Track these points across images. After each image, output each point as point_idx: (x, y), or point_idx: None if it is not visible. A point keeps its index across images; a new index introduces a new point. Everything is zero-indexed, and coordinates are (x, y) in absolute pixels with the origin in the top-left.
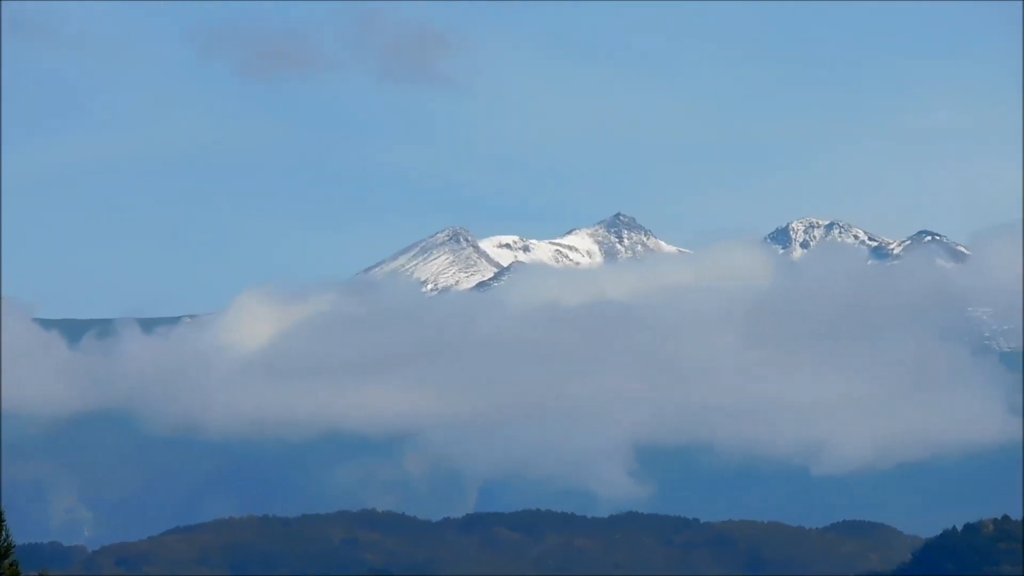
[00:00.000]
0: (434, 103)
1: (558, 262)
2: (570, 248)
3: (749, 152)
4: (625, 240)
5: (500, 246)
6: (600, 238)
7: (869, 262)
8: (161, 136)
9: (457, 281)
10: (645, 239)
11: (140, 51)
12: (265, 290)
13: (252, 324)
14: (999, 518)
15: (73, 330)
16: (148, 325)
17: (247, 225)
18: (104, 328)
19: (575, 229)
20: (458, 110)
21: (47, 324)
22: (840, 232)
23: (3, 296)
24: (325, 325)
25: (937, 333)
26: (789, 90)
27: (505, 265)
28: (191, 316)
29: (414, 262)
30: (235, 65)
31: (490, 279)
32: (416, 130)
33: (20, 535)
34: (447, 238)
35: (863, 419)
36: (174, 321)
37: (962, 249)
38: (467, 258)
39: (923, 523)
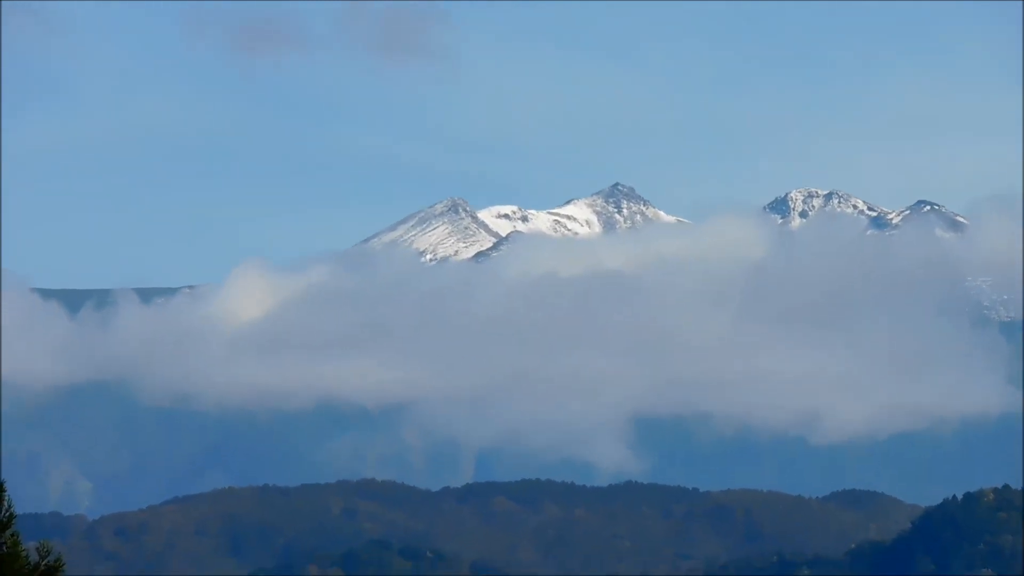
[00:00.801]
0: (432, 77)
1: (556, 232)
2: (568, 218)
3: (749, 122)
4: (624, 210)
5: (499, 216)
6: (598, 208)
7: (868, 232)
8: (158, 112)
9: (456, 251)
10: (644, 209)
11: (134, 30)
12: (263, 262)
13: (250, 295)
14: (999, 487)
15: (72, 300)
16: (146, 296)
17: (245, 197)
18: (102, 298)
19: (573, 199)
20: (456, 84)
21: (46, 294)
22: (839, 202)
23: (2, 267)
24: (323, 296)
25: (936, 303)
26: (789, 60)
27: (503, 235)
28: (189, 287)
29: (412, 233)
30: (232, 42)
31: (488, 249)
32: (412, 105)
33: (20, 506)
34: (445, 209)
35: (861, 389)
36: (172, 292)
37: (961, 219)
38: (465, 228)
39: (922, 493)
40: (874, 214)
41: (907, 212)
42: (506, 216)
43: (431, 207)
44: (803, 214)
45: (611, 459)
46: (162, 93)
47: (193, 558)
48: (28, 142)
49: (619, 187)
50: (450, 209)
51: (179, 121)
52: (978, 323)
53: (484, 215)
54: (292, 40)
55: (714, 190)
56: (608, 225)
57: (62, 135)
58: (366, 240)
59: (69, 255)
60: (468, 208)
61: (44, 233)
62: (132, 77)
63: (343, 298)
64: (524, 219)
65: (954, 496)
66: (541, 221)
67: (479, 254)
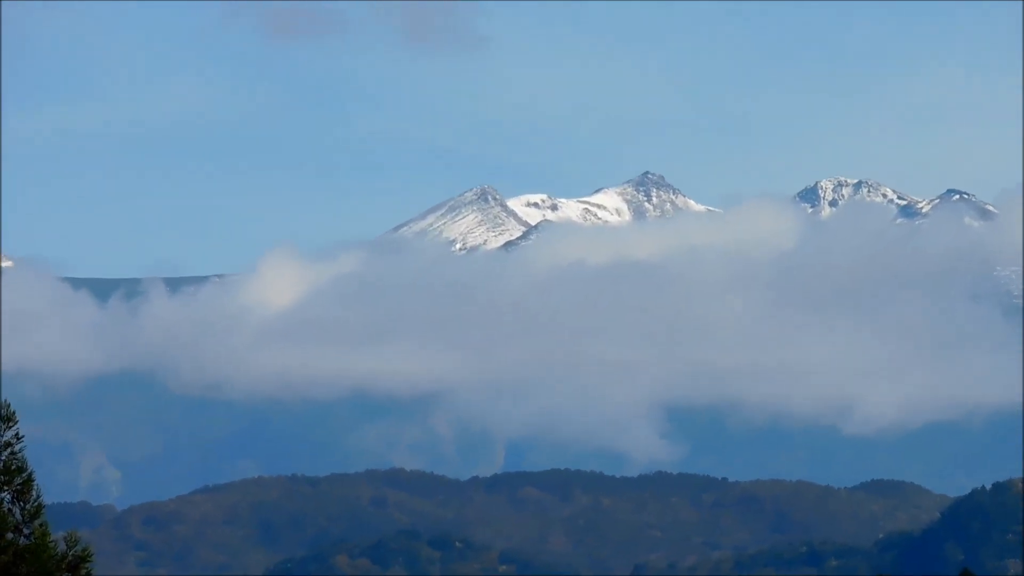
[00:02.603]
0: (463, 66)
1: (586, 221)
2: (598, 207)
3: (778, 111)
4: (653, 199)
5: (528, 205)
6: (628, 197)
7: (897, 221)
8: (189, 100)
9: (485, 240)
10: (673, 198)
11: (166, 16)
12: (293, 250)
13: (279, 284)
14: None
15: (101, 289)
16: (175, 285)
17: (275, 185)
18: (132, 288)
19: (603, 188)
20: (486, 71)
21: (76, 283)
22: (868, 191)
23: (32, 256)
24: (352, 285)
25: (966, 292)
26: (820, 49)
27: (533, 224)
28: (219, 276)
29: (442, 221)
30: (266, 29)
31: (518, 238)
32: (443, 93)
33: (49, 494)
34: (475, 197)
35: (891, 379)
36: (202, 280)
37: (990, 208)
38: (495, 217)
39: (951, 482)
40: (904, 203)
41: (937, 201)
42: (535, 205)
43: (461, 195)
44: (833, 203)
45: (641, 448)
46: (193, 80)
47: (222, 547)
48: (58, 131)
49: (649, 176)
50: (480, 197)
51: (209, 109)
52: (1009, 312)
53: (514, 203)
54: (324, 28)
55: (744, 179)
56: (638, 214)
57: (92, 123)
58: (396, 228)
59: (99, 244)
60: (498, 196)
61: (74, 222)
62: (163, 64)
63: (373, 287)
64: (554, 207)
65: (983, 486)
66: (571, 209)
67: (508, 243)
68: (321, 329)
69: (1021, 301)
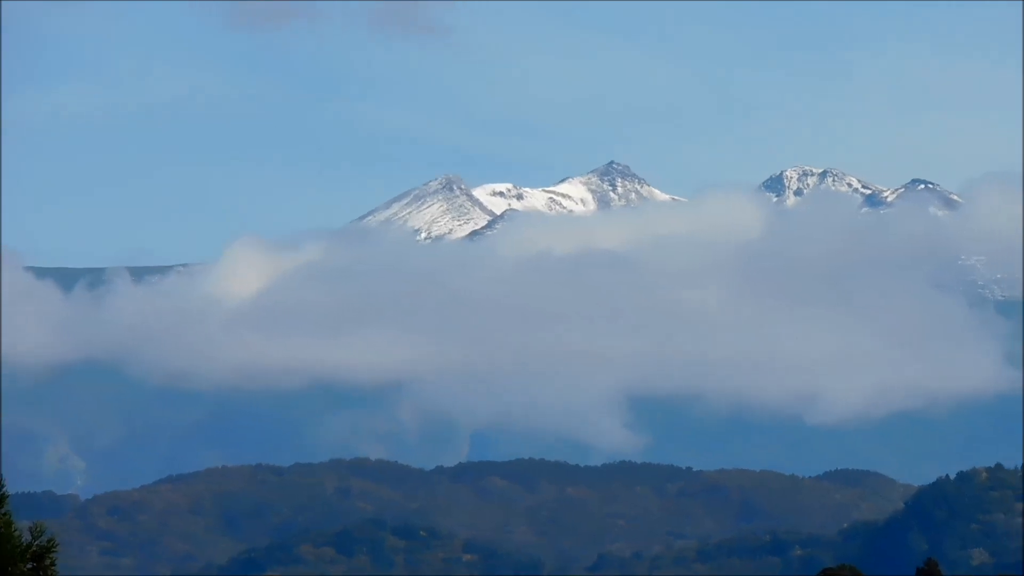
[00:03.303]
0: (426, 54)
1: (551, 210)
2: (564, 196)
3: (744, 100)
4: (619, 188)
5: (493, 194)
6: (593, 186)
7: (863, 210)
8: (152, 87)
9: (450, 230)
10: (639, 187)
11: (130, 4)
12: (258, 239)
13: (244, 273)
14: (992, 467)
15: (66, 279)
16: (140, 274)
17: (241, 175)
18: (96, 277)
19: (569, 177)
20: (451, 60)
21: (40, 272)
22: (834, 180)
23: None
24: (317, 274)
25: (931, 282)
26: (784, 38)
27: (498, 213)
28: (183, 265)
29: (407, 210)
30: (226, 16)
31: (483, 227)
32: (408, 81)
33: (14, 484)
34: (440, 186)
35: (857, 368)
36: (166, 270)
37: (955, 197)
38: (460, 206)
39: (916, 472)
40: (869, 192)
41: (902, 190)
42: (501, 194)
43: (426, 184)
44: (798, 192)
45: (606, 438)
46: (158, 70)
47: (187, 537)
48: (19, 119)
49: (614, 165)
50: (445, 187)
51: (175, 98)
52: (974, 302)
53: (479, 193)
54: (291, 17)
55: (709, 168)
56: (603, 203)
57: (55, 112)
58: (361, 218)
59: (63, 233)
60: (463, 186)
61: (38, 211)
62: (126, 52)
63: (338, 276)
64: (519, 197)
65: (948, 475)
66: (536, 199)
67: (474, 232)
68: (286, 319)
69: (986, 291)
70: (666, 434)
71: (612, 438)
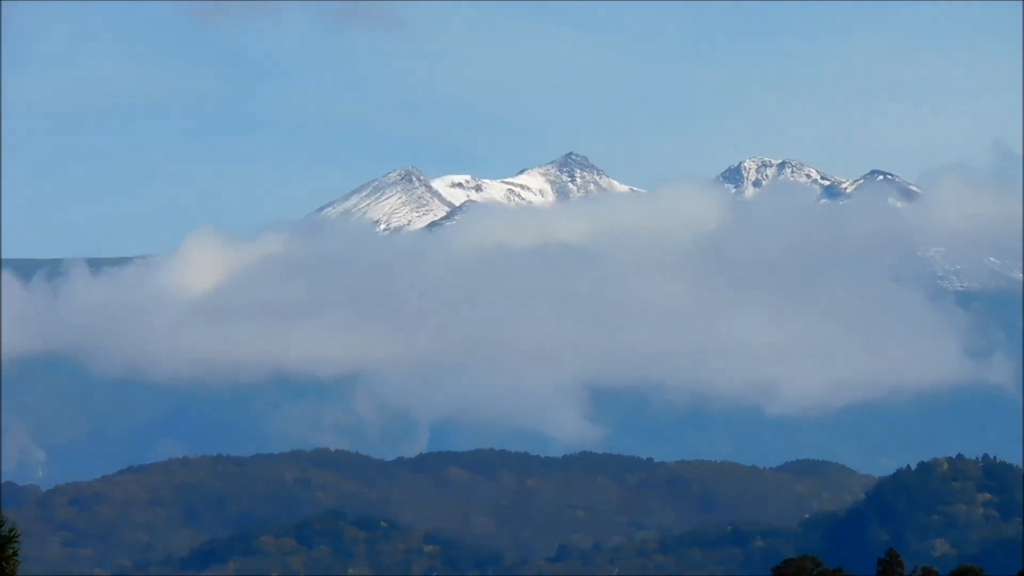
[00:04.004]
0: (383, 45)
1: (510, 201)
2: (522, 187)
3: (703, 91)
4: (578, 179)
5: (452, 185)
6: (552, 177)
7: (821, 201)
8: (109, 76)
9: (409, 221)
10: (598, 178)
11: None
12: (215, 231)
13: (202, 265)
14: (953, 457)
15: (24, 269)
16: (97, 265)
17: (198, 166)
18: (53, 268)
19: (527, 168)
20: (408, 51)
21: None
22: (792, 171)
23: None
24: (276, 266)
25: (890, 273)
26: (742, 29)
27: (457, 204)
28: (141, 257)
29: (366, 202)
30: (183, 5)
31: (442, 219)
32: (365, 72)
33: None
34: (399, 178)
35: (816, 359)
36: (124, 262)
37: (914, 188)
38: (419, 198)
39: (876, 463)
40: (827, 183)
41: (860, 181)
42: (460, 185)
43: (385, 176)
44: (757, 183)
45: (566, 429)
46: (112, 56)
47: (147, 528)
48: None
49: (573, 156)
50: (404, 178)
51: (131, 85)
52: (932, 293)
53: (438, 184)
54: (248, 7)
55: (668, 159)
56: (562, 194)
57: (8, 102)
58: (320, 209)
59: (20, 224)
60: (422, 177)
61: None
62: (80, 38)
63: (296, 268)
64: (478, 188)
65: (908, 466)
66: (495, 190)
67: (433, 223)
68: (244, 310)
69: (945, 282)
70: (626, 425)
71: (571, 429)
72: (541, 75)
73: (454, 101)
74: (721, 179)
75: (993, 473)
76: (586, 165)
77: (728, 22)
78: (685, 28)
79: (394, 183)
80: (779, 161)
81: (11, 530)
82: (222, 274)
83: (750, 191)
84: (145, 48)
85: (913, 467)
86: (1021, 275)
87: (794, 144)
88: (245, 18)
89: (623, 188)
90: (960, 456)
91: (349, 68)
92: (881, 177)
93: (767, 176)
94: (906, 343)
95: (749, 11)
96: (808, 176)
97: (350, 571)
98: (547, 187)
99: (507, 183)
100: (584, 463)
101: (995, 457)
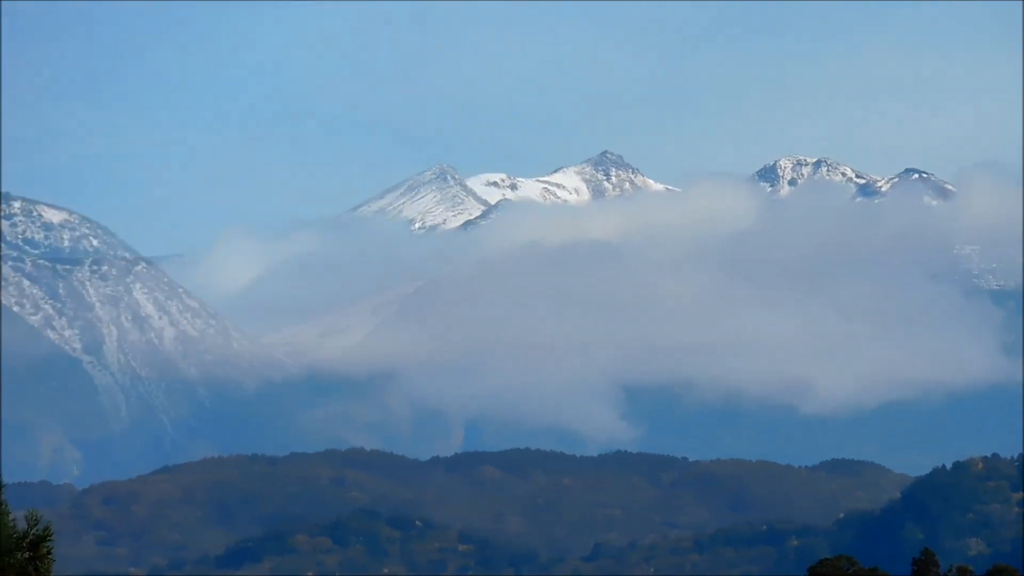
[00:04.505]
0: (424, 44)
1: (545, 200)
2: (557, 186)
3: (738, 90)
4: (612, 178)
5: (487, 184)
6: (587, 176)
7: (856, 199)
8: (143, 73)
9: (444, 220)
10: (632, 177)
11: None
12: (250, 230)
13: (236, 264)
14: (988, 456)
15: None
16: (131, 264)
17: (234, 165)
18: (89, 267)
19: (562, 167)
20: (448, 51)
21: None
22: (827, 170)
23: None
24: (310, 264)
25: (925, 271)
26: (779, 29)
27: (492, 203)
28: (177, 255)
29: (401, 200)
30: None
31: (477, 217)
32: (404, 70)
33: (9, 474)
34: (434, 176)
35: (849, 358)
36: (160, 260)
37: (949, 187)
38: (454, 196)
39: (911, 462)
40: (863, 182)
41: (896, 180)
42: (495, 184)
43: (420, 175)
44: (792, 182)
45: (599, 428)
46: (151, 51)
47: (181, 527)
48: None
49: (608, 155)
50: (439, 176)
51: (157, 85)
52: (969, 291)
53: (473, 183)
54: (278, 4)
55: (703, 158)
56: (597, 193)
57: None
58: (355, 208)
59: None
60: (457, 176)
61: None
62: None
63: (331, 266)
64: (513, 187)
65: (943, 465)
66: (530, 189)
67: (467, 222)
68: (278, 308)
69: (980, 280)
70: (659, 424)
71: (605, 428)
72: (577, 74)
73: (490, 100)
74: (756, 177)
75: None
76: (621, 164)
77: (764, 22)
78: (721, 27)
79: (429, 182)
80: (814, 159)
81: (45, 529)
82: (256, 272)
83: (785, 190)
84: (170, 39)
85: (948, 466)
86: None
87: (830, 142)
88: (277, 18)
89: (658, 187)
90: (995, 455)
91: (385, 67)
92: (916, 175)
93: (802, 175)
94: (941, 341)
95: (785, 10)
96: (843, 175)
97: (384, 570)
98: (582, 185)
99: (542, 181)
100: (618, 462)
101: None
